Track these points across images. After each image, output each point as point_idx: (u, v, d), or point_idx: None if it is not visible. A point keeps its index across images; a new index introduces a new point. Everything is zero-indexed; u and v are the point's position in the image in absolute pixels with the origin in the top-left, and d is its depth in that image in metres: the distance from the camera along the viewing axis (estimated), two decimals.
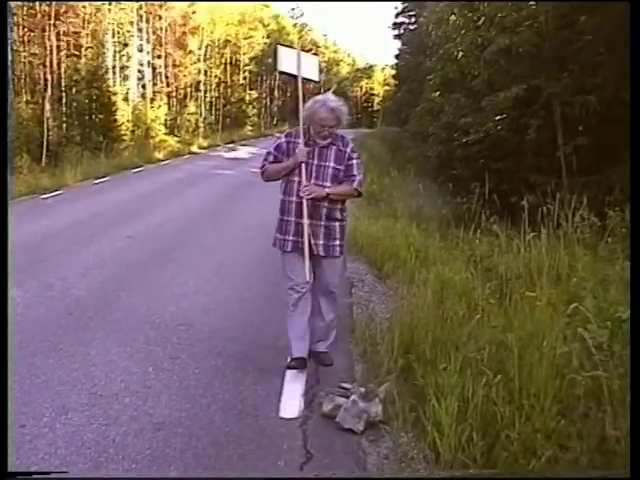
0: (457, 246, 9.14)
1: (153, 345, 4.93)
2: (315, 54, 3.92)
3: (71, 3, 26.49)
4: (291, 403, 4.00)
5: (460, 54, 13.55)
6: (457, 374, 3.78)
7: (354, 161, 4.41)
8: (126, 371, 4.40)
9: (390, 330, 4.96)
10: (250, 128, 46.06)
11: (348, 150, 4.42)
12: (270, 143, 4.80)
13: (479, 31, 13.01)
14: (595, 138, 11.08)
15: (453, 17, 13.75)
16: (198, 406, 3.92)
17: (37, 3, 24.29)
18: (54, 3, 24.75)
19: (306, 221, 4.31)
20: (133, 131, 28.95)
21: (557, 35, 11.84)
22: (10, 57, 15.86)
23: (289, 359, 4.47)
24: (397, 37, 36.74)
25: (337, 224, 4.45)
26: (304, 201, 4.30)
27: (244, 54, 46.58)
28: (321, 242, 4.40)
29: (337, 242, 4.47)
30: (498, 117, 12.85)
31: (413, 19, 33.32)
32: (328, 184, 4.34)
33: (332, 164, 4.36)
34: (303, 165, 4.31)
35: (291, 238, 4.43)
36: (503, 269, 7.65)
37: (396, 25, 36.44)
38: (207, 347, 4.93)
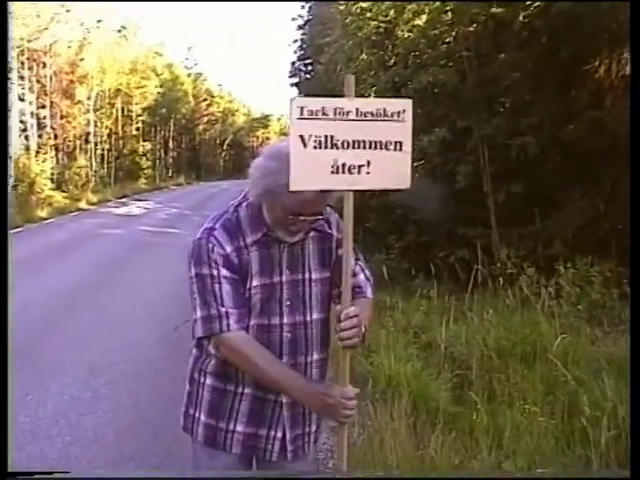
0: (390, 317, 7.74)
1: None
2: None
3: None
4: None
5: (373, 95, 12.33)
6: None
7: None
8: None
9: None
10: (144, 181, 43.88)
11: (335, 233, 2.28)
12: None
13: (396, 68, 11.87)
14: (529, 184, 9.98)
15: (364, 56, 12.56)
16: None
17: None
18: None
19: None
20: (15, 186, 26.33)
21: (480, 73, 10.79)
22: None
23: None
24: (294, 85, 35.85)
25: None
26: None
27: (136, 104, 44.54)
28: (310, 429, 2.38)
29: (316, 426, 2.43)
30: (416, 163, 11.64)
31: (310, 67, 32.53)
32: (315, 316, 2.26)
33: (315, 274, 2.24)
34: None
35: (240, 429, 2.26)
36: (456, 349, 6.42)
37: (293, 72, 35.58)
38: None
